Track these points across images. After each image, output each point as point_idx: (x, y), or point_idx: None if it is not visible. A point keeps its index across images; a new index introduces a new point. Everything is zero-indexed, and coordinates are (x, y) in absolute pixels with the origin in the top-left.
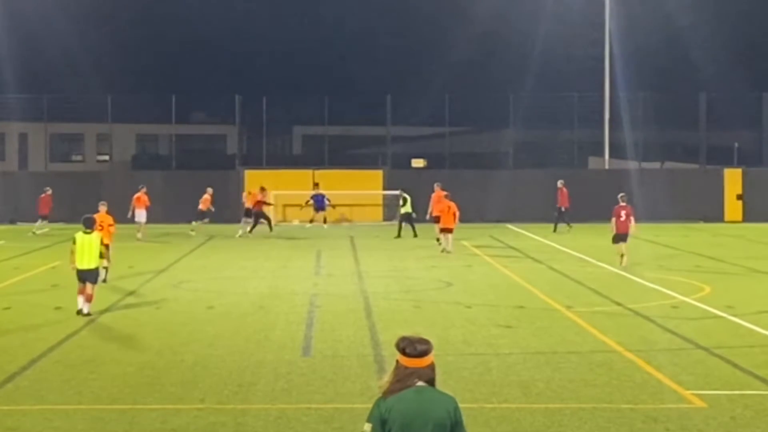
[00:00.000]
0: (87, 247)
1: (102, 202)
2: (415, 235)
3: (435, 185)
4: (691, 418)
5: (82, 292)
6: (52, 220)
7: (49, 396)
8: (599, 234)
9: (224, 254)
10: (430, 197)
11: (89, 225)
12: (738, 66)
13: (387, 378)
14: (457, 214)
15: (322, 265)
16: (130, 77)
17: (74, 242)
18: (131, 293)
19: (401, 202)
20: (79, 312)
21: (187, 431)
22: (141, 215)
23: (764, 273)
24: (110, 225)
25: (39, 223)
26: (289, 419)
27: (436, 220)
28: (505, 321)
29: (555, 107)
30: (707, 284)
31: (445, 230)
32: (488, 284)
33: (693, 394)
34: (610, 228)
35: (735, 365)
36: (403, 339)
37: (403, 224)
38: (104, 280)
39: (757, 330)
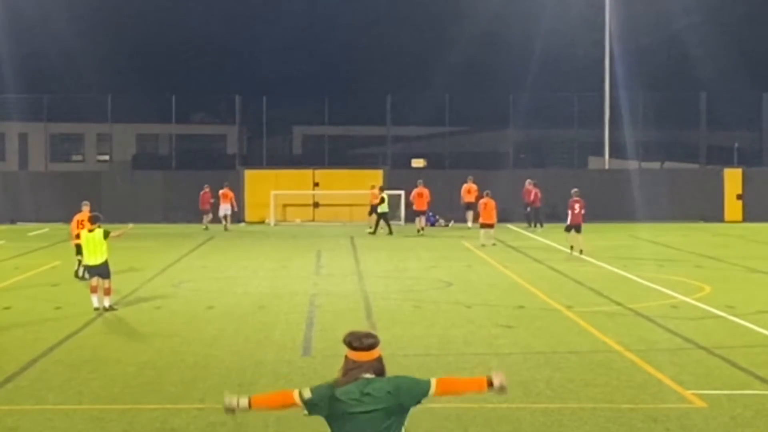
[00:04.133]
0: (92, 244)
1: (85, 202)
2: (390, 233)
3: (418, 182)
4: (691, 418)
5: (95, 291)
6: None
7: (49, 396)
8: (599, 234)
9: (224, 254)
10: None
11: (93, 222)
12: (738, 66)
13: (343, 369)
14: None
15: (322, 264)
16: (130, 77)
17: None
18: (131, 293)
19: (379, 201)
20: (97, 309)
21: (187, 431)
22: (226, 209)
23: (764, 273)
24: None
25: (205, 218)
26: (290, 419)
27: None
28: (505, 321)
29: (555, 107)
30: (707, 284)
31: (486, 225)
32: (488, 284)
33: (693, 393)
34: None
35: (735, 365)
36: (351, 334)
37: (380, 222)
38: (83, 277)
39: (757, 330)
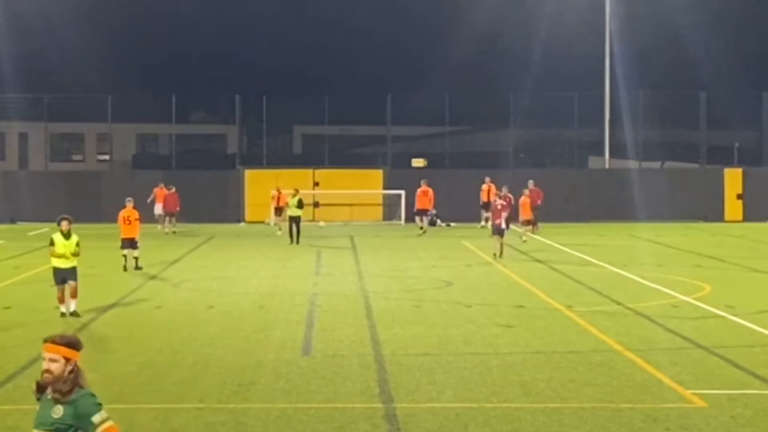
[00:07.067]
0: (62, 246)
1: (128, 198)
2: (295, 242)
3: (422, 181)
4: (691, 418)
5: (61, 300)
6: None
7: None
8: (599, 233)
9: (224, 254)
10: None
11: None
12: (738, 66)
13: (80, 376)
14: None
15: (322, 264)
16: (130, 77)
17: (51, 243)
18: (131, 292)
19: (298, 204)
20: (63, 315)
21: (187, 431)
22: (159, 208)
23: (764, 273)
24: (136, 219)
25: (168, 220)
26: (289, 419)
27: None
28: (505, 321)
29: (555, 107)
30: (707, 284)
31: (526, 222)
32: (488, 284)
33: (693, 393)
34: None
35: (735, 365)
36: (75, 337)
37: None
38: (139, 267)
39: (757, 330)
